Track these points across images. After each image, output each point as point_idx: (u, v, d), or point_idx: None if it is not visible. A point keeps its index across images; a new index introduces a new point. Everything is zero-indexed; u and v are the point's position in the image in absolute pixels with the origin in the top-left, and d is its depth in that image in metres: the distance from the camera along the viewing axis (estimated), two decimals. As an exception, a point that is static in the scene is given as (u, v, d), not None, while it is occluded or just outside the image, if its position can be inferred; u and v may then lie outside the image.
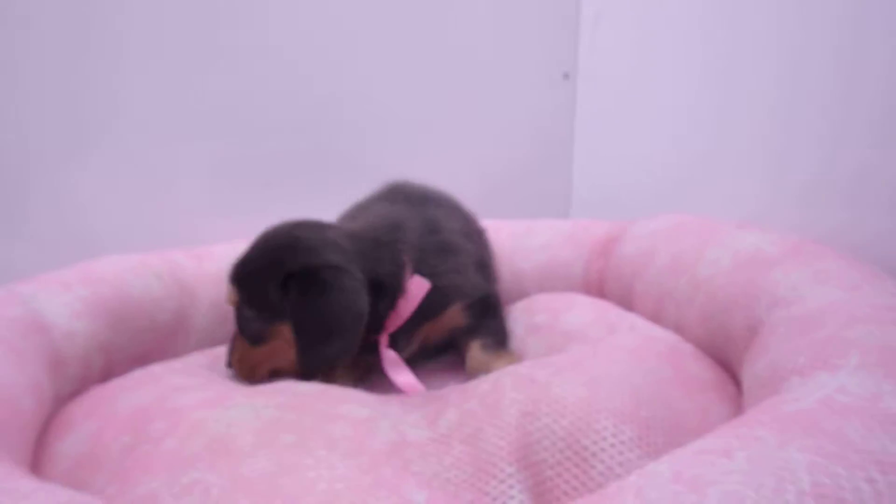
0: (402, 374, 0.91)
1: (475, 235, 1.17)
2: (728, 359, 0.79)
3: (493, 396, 0.70)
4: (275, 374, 0.91)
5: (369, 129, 1.61)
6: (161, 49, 1.38)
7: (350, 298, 0.84)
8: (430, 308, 0.95)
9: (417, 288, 0.93)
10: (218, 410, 0.67)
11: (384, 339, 0.94)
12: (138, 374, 0.84)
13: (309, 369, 0.86)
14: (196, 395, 0.73)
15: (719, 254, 0.87)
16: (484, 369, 0.87)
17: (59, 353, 0.83)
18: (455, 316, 0.98)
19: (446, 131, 1.71)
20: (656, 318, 0.98)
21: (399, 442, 0.68)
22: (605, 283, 1.19)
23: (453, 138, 1.72)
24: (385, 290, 0.91)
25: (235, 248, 1.16)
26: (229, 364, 0.94)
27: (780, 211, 1.23)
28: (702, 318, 0.84)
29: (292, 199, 1.49)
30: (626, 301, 1.09)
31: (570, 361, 0.74)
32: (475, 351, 0.94)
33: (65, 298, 0.89)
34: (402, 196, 1.15)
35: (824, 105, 1.11)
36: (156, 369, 0.87)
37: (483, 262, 1.09)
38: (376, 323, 0.91)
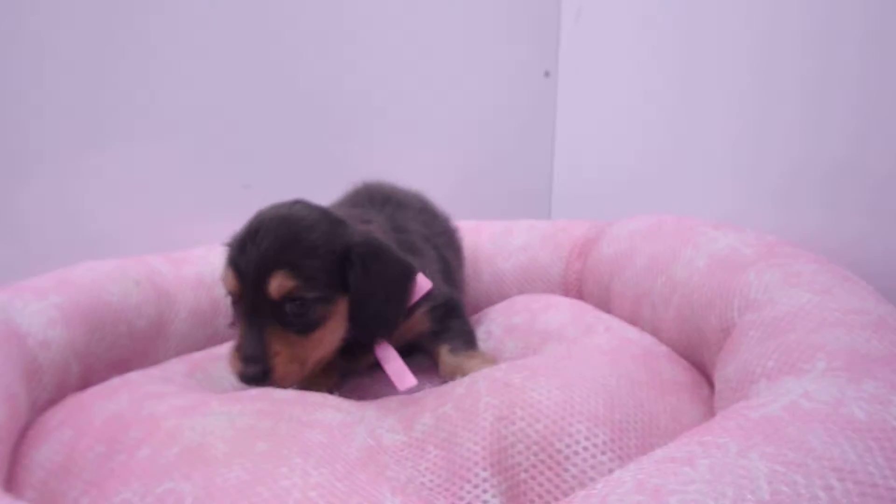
0: (397, 369, 0.89)
1: (442, 237, 1.16)
2: (702, 361, 0.80)
3: (469, 401, 0.70)
4: (317, 365, 0.88)
5: (350, 128, 1.61)
6: (152, 50, 1.38)
7: (402, 261, 0.89)
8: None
9: (421, 284, 0.93)
10: (193, 418, 0.67)
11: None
12: (115, 382, 0.84)
13: (371, 337, 0.89)
14: (171, 402, 0.73)
15: (695, 255, 0.88)
16: (459, 372, 0.87)
17: (34, 362, 0.83)
18: (419, 320, 0.96)
19: (426, 129, 1.71)
20: (633, 319, 0.99)
21: (374, 447, 0.68)
22: (583, 284, 1.20)
23: (434, 136, 1.72)
24: None
25: (212, 252, 1.17)
26: (256, 376, 0.80)
27: (756, 212, 1.25)
28: (677, 320, 0.84)
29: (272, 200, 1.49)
30: (604, 302, 1.09)
31: (545, 364, 0.75)
32: (445, 355, 0.94)
33: (38, 306, 0.89)
34: (367, 197, 1.15)
35: (799, 105, 1.12)
36: (133, 376, 0.87)
37: (447, 264, 1.09)
38: None
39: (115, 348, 0.99)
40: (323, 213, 0.89)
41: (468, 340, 0.97)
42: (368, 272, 0.84)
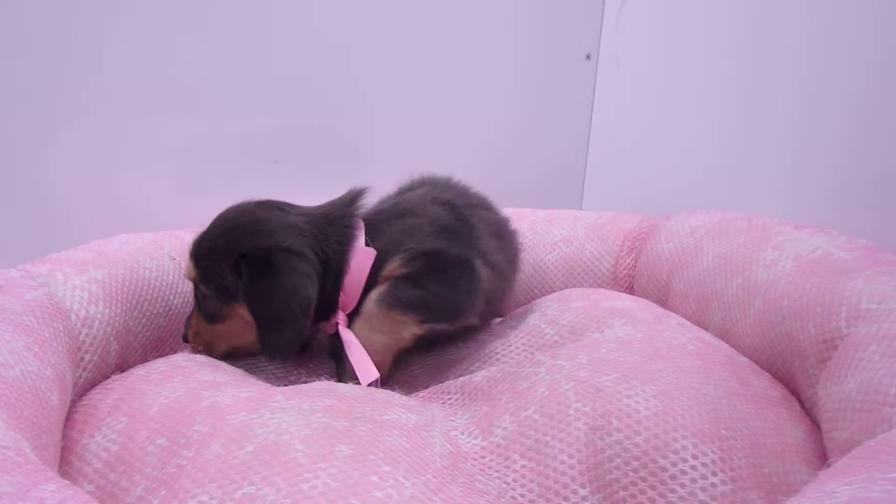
0: (360, 359, 0.84)
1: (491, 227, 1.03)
2: (790, 372, 0.75)
3: (555, 405, 0.65)
4: (232, 353, 0.91)
5: (381, 107, 1.55)
6: (144, 23, 1.32)
7: (298, 282, 0.83)
8: (373, 274, 0.88)
9: (361, 259, 0.88)
10: (262, 414, 0.62)
11: (341, 319, 0.90)
12: (161, 366, 0.79)
13: (270, 354, 0.87)
14: (232, 393, 0.68)
15: (778, 256, 0.83)
16: (361, 331, 0.86)
17: (76, 339, 0.77)
18: (395, 272, 0.88)
19: (458, 111, 1.65)
20: (698, 320, 0.94)
21: (454, 453, 0.64)
22: (636, 280, 1.15)
23: (466, 118, 1.66)
24: (331, 269, 0.87)
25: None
26: (185, 338, 0.92)
27: (804, 213, 1.20)
28: (760, 326, 0.80)
29: (301, 175, 1.44)
30: (661, 302, 1.05)
31: (632, 364, 0.70)
32: (369, 302, 0.86)
33: (79, 280, 0.83)
34: (409, 186, 1.11)
35: (854, 101, 1.07)
36: (178, 360, 0.81)
37: (455, 227, 0.93)
38: (331, 304, 0.88)
39: (152, 327, 0.93)
40: (253, 219, 0.87)
41: (420, 304, 0.85)
42: (256, 285, 0.83)
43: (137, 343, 0.91)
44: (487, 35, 1.64)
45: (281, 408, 0.63)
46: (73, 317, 0.78)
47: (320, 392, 0.70)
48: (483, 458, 0.64)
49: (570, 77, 1.74)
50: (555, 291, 1.21)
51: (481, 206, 1.06)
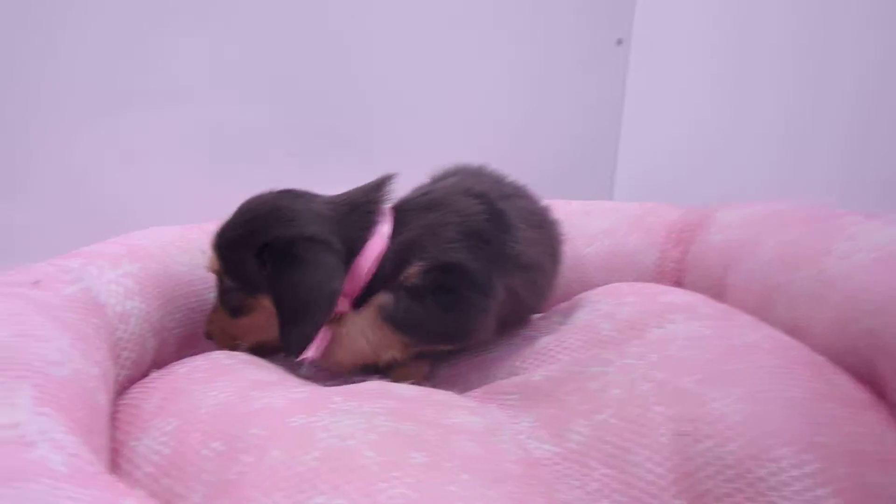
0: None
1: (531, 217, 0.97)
2: (874, 371, 0.70)
3: (635, 409, 0.61)
4: (259, 348, 0.86)
5: (408, 95, 1.51)
6: (168, 20, 1.28)
7: (323, 274, 0.77)
8: (390, 271, 0.83)
9: (372, 246, 0.83)
10: (322, 417, 0.58)
11: (344, 306, 0.84)
12: (203, 364, 0.74)
13: (290, 349, 0.79)
14: (285, 394, 0.64)
15: (852, 247, 0.79)
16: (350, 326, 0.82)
17: (113, 335, 0.73)
18: (410, 278, 0.83)
19: (483, 101, 1.61)
20: (760, 316, 0.89)
21: (527, 460, 0.59)
22: (685, 274, 1.11)
23: (491, 108, 1.61)
24: (352, 257, 0.83)
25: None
26: (208, 334, 0.87)
27: (857, 205, 1.15)
28: (838, 322, 0.75)
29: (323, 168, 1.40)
30: (717, 296, 0.99)
31: (710, 362, 0.65)
32: (373, 301, 0.82)
33: (114, 275, 0.79)
34: (442, 174, 1.05)
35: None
36: (221, 358, 0.77)
37: (485, 231, 0.86)
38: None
39: (187, 323, 0.89)
40: (275, 207, 0.83)
41: (412, 323, 0.81)
42: (280, 277, 0.78)
43: (172, 339, 0.87)
44: (514, 19, 1.59)
45: (341, 410, 0.59)
46: (110, 312, 0.74)
47: (377, 393, 0.65)
48: (557, 464, 0.60)
49: (601, 63, 1.69)
50: (594, 285, 1.17)
51: (518, 194, 1.01)
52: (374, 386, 0.68)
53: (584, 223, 1.25)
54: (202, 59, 1.31)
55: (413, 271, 0.83)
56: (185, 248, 0.94)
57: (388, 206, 0.88)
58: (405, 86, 1.50)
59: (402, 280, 0.83)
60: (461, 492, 0.49)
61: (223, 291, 0.87)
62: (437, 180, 1.05)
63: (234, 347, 0.86)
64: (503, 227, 0.88)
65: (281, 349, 0.84)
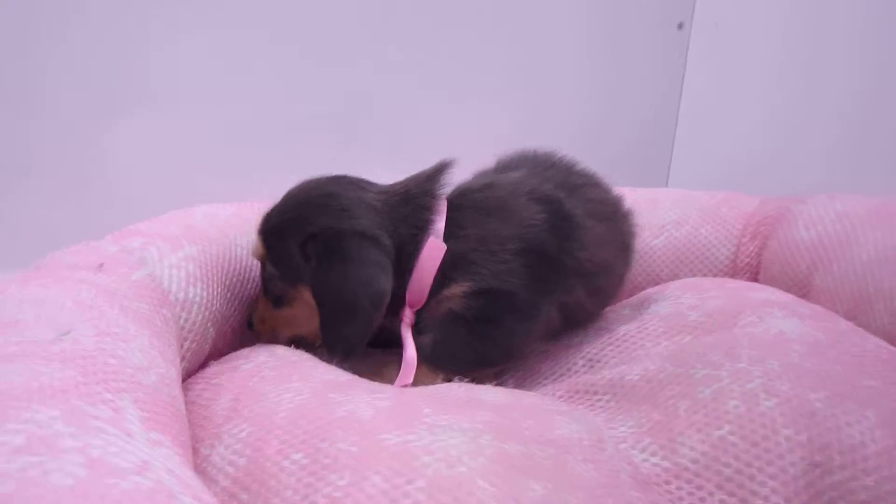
0: (408, 368, 0.75)
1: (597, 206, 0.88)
2: None
3: (758, 428, 0.55)
4: (297, 341, 0.80)
5: (460, 75, 1.45)
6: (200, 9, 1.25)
7: (372, 273, 0.72)
8: (434, 282, 0.77)
9: (431, 253, 0.76)
10: (420, 434, 0.52)
11: (407, 317, 0.79)
12: (269, 360, 0.69)
13: (330, 349, 0.75)
14: (368, 401, 0.58)
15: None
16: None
17: (176, 325, 0.68)
18: (451, 300, 0.77)
19: (540, 85, 1.54)
20: (852, 321, 0.83)
21: (636, 477, 0.54)
22: (762, 270, 1.04)
23: (546, 93, 1.55)
24: (402, 257, 0.76)
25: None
26: (250, 324, 0.83)
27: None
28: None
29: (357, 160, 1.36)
30: (799, 296, 0.94)
31: (838, 377, 0.59)
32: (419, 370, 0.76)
33: (175, 258, 0.74)
34: (506, 164, 0.97)
35: None
36: (284, 353, 0.72)
37: (548, 249, 0.78)
38: (400, 298, 0.77)
39: (244, 312, 0.85)
40: (325, 194, 0.77)
41: (451, 360, 0.76)
42: (323, 271, 0.73)
43: (229, 328, 0.82)
44: (570, 2, 1.52)
45: (438, 426, 0.54)
46: (173, 299, 0.69)
47: (466, 401, 0.60)
48: (668, 483, 0.54)
49: (661, 46, 1.61)
50: (661, 280, 1.12)
51: (589, 184, 0.94)
52: (460, 393, 0.62)
53: (650, 212, 1.18)
54: (221, 53, 1.28)
55: (456, 291, 0.76)
56: (243, 228, 0.88)
57: (443, 198, 0.81)
58: (467, 71, 1.45)
59: (441, 299, 0.77)
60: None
61: (266, 279, 0.81)
62: (502, 167, 0.97)
63: (273, 339, 0.81)
64: (567, 234, 0.80)
65: (318, 344, 0.79)
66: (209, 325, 0.75)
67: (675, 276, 1.11)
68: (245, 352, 0.75)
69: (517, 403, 0.61)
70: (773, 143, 1.47)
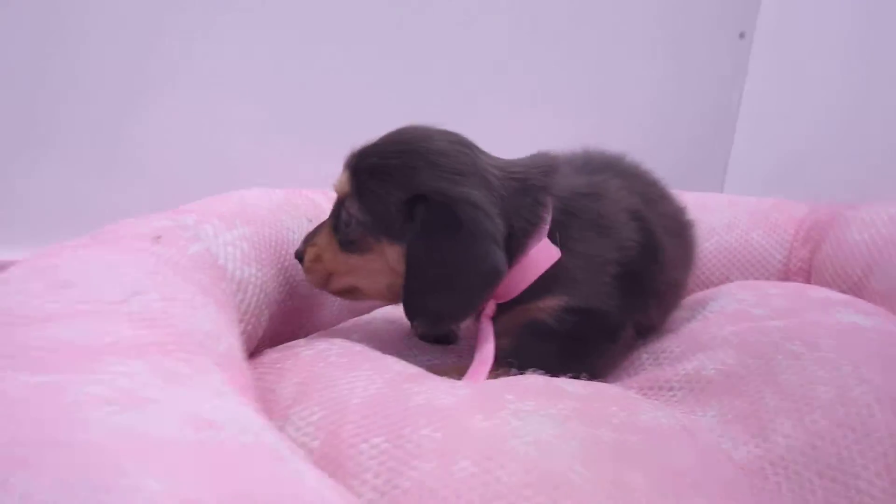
0: (484, 361, 0.70)
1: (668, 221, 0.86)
2: None
3: (853, 415, 0.52)
4: (350, 292, 0.76)
5: (520, 79, 1.44)
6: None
7: (486, 250, 0.65)
8: (533, 285, 0.72)
9: (542, 255, 0.71)
10: (506, 419, 0.50)
11: (489, 309, 0.75)
12: (333, 347, 0.66)
13: (412, 317, 0.70)
14: (447, 391, 0.55)
15: None
16: None
17: (231, 305, 0.66)
18: (543, 311, 0.73)
19: (598, 90, 1.53)
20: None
21: (731, 466, 0.51)
22: (814, 275, 1.02)
23: (606, 98, 1.54)
24: (510, 248, 0.70)
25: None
26: (299, 256, 0.75)
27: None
28: None
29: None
30: (852, 297, 0.91)
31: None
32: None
33: (230, 237, 0.71)
34: (583, 162, 0.91)
35: None
36: (346, 343, 0.69)
37: (640, 272, 0.76)
38: None
39: (295, 296, 0.82)
40: (438, 149, 0.69)
41: (527, 362, 0.70)
42: (429, 233, 0.66)
43: (279, 312, 0.79)
44: (641, 9, 1.51)
45: (524, 411, 0.51)
46: (230, 276, 0.67)
47: (547, 389, 0.57)
48: (763, 469, 0.51)
49: (722, 55, 1.60)
50: (711, 283, 1.09)
51: (662, 196, 0.89)
52: (539, 382, 0.59)
53: (701, 217, 1.14)
54: (263, 39, 1.28)
55: (552, 304, 0.72)
56: (293, 213, 0.86)
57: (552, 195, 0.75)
58: (527, 74, 1.44)
59: (532, 307, 0.73)
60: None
61: (344, 218, 0.72)
62: (589, 168, 0.88)
63: (322, 283, 0.76)
64: (653, 256, 0.77)
65: (373, 302, 0.73)
66: (264, 307, 0.72)
67: (725, 280, 1.08)
68: (302, 341, 0.72)
69: (599, 393, 0.58)
70: (829, 151, 1.45)
